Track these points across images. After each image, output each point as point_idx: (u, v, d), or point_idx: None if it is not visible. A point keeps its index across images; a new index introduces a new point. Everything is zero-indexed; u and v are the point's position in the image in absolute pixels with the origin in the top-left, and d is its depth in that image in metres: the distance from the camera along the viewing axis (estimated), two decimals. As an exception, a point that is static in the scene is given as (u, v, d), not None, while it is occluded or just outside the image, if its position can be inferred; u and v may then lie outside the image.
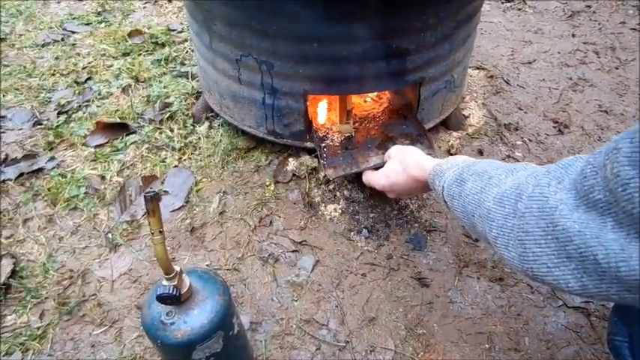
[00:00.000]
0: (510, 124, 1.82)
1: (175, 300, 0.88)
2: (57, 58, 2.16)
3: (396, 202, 1.55)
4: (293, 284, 1.34)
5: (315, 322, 1.25)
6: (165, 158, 1.69)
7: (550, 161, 1.67)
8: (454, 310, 1.29)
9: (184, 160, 1.69)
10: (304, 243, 1.43)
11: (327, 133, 1.61)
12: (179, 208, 1.53)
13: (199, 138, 1.76)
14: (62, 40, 2.29)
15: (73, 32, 2.35)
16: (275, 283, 1.34)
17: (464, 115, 1.85)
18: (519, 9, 2.58)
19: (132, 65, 2.10)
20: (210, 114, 1.83)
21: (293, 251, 1.41)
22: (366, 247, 1.43)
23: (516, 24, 2.45)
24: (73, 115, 1.87)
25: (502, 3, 2.63)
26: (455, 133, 1.78)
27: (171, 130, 1.79)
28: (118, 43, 2.24)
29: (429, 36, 1.41)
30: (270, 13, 1.32)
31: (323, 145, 1.55)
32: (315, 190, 1.58)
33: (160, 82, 2.01)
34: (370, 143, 1.56)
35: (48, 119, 1.84)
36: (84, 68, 2.11)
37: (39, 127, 1.82)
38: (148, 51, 2.20)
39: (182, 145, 1.73)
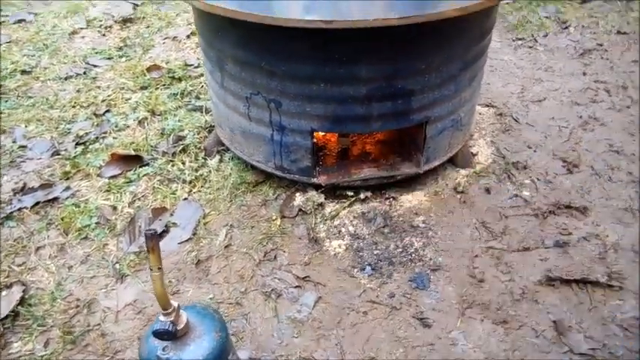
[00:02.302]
0: (518, 162, 1.82)
1: (171, 336, 0.89)
2: (78, 91, 2.25)
3: (400, 239, 1.55)
4: (294, 320, 1.34)
5: (314, 360, 1.25)
6: (176, 190, 1.73)
7: (557, 201, 1.66)
8: (456, 353, 1.27)
9: (194, 192, 1.73)
10: (307, 279, 1.44)
11: (326, 143, 1.69)
12: (186, 241, 1.56)
13: (210, 171, 1.80)
14: (84, 73, 2.38)
15: (95, 66, 2.45)
16: (276, 319, 1.34)
17: (472, 152, 1.86)
18: (530, 47, 2.61)
19: (149, 99, 2.17)
20: (222, 148, 1.87)
21: (296, 287, 1.42)
22: (368, 285, 1.43)
23: (527, 61, 2.47)
24: (90, 147, 1.94)
25: (513, 41, 2.67)
26: (462, 171, 1.79)
27: (183, 163, 1.83)
28: (137, 77, 2.32)
29: (434, 77, 1.44)
30: (278, 54, 1.37)
31: (320, 153, 1.63)
32: (321, 226, 1.60)
33: (175, 115, 2.08)
34: (364, 157, 1.62)
35: (66, 149, 1.91)
36: (103, 101, 2.19)
37: (57, 157, 1.88)
38: (165, 85, 2.28)
39: (193, 177, 1.77)
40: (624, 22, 2.81)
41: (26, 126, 2.04)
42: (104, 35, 2.74)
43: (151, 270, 0.86)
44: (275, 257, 1.50)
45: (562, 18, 2.87)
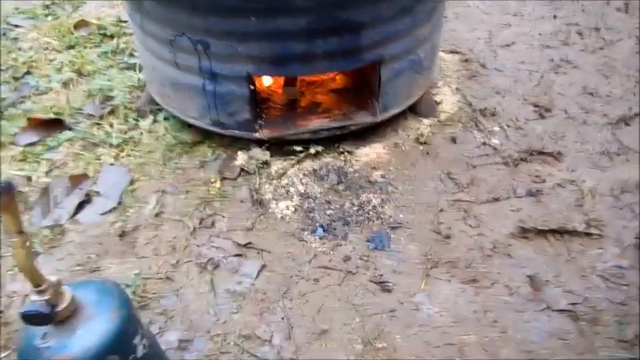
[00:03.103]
0: (486, 109, 1.65)
1: (47, 319, 0.69)
2: (-6, 53, 1.98)
3: (356, 197, 1.37)
4: (233, 294, 1.15)
5: (256, 337, 1.07)
6: (101, 156, 1.51)
7: (529, 148, 1.50)
8: (420, 319, 1.11)
9: (122, 157, 1.51)
10: (250, 245, 1.25)
11: (271, 95, 1.49)
12: (110, 211, 1.35)
13: (141, 133, 1.58)
14: (4, 34, 2.10)
15: (17, 26, 2.17)
16: (212, 293, 1.15)
17: (435, 101, 1.68)
18: (497, -8, 2.43)
19: (75, 58, 1.92)
20: (156, 107, 1.65)
21: (236, 255, 1.23)
22: (320, 249, 1.25)
23: (495, 7, 2.29)
24: (6, 113, 1.69)
25: (479, -14, 2.48)
26: (425, 121, 1.61)
27: (111, 126, 1.61)
28: (63, 35, 2.06)
29: (384, 7, 1.24)
30: (198, -20, 1.15)
31: (263, 106, 1.44)
32: (266, 186, 1.40)
33: (105, 75, 1.83)
34: (314, 108, 1.43)
35: (-25, 118, 1.66)
36: (24, 63, 1.93)
37: (-36, 126, 1.63)
38: (95, 43, 2.02)
39: (121, 141, 1.55)
40: (594, -35, 2.64)
41: None
42: (28, -6, 2.44)
43: (8, 236, 0.66)
44: (213, 224, 1.31)
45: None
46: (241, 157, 1.46)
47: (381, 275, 1.18)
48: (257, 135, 1.41)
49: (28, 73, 1.89)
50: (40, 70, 1.90)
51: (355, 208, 1.34)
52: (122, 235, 1.29)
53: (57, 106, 1.70)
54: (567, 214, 1.31)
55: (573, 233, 1.27)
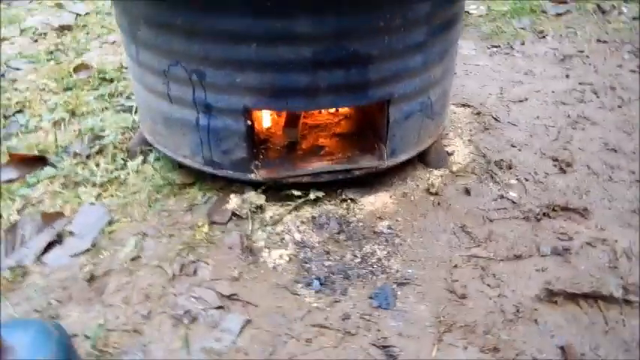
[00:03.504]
0: (502, 160, 1.53)
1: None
2: (-10, 93, 1.92)
3: (359, 247, 1.22)
4: (210, 352, 0.97)
5: (232, 408, 0.88)
6: (82, 194, 1.38)
7: (551, 202, 1.36)
8: (432, 393, 0.92)
9: (105, 197, 1.38)
10: (234, 297, 1.09)
11: (270, 137, 1.39)
12: (83, 253, 1.20)
13: (128, 173, 1.46)
14: (2, 75, 2.06)
15: (17, 69, 2.13)
16: (186, 351, 0.97)
17: (447, 152, 1.57)
18: (507, 53, 2.39)
19: (71, 99, 1.85)
20: (148, 147, 1.54)
21: (217, 308, 1.06)
22: (315, 304, 1.08)
23: (504, 66, 2.24)
24: (-11, 149, 1.59)
25: (488, 48, 2.45)
26: (436, 171, 1.48)
27: (97, 165, 1.50)
28: (62, 78, 2.01)
29: (395, 41, 1.16)
30: (197, 6, 1.08)
31: (262, 147, 1.32)
32: (259, 233, 1.26)
33: (98, 116, 1.75)
34: (316, 150, 1.32)
35: (-44, 152, 1.56)
36: (17, 103, 1.86)
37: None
38: (93, 86, 1.96)
39: (105, 180, 1.43)
40: (603, 32, 2.63)
41: None
42: (36, 41, 2.44)
43: None
44: (195, 271, 1.15)
45: (538, 29, 2.69)
46: (234, 201, 1.32)
47: (385, 338, 1.01)
48: (252, 176, 1.29)
49: (19, 111, 1.81)
50: (32, 109, 1.82)
51: (357, 261, 1.18)
52: (91, 279, 1.13)
53: (43, 144, 1.60)
54: (600, 277, 1.15)
55: (609, 299, 1.09)
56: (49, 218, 1.27)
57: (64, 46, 2.39)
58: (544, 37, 2.59)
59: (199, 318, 1.04)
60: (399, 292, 1.11)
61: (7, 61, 2.20)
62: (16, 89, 1.97)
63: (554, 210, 1.34)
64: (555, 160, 1.55)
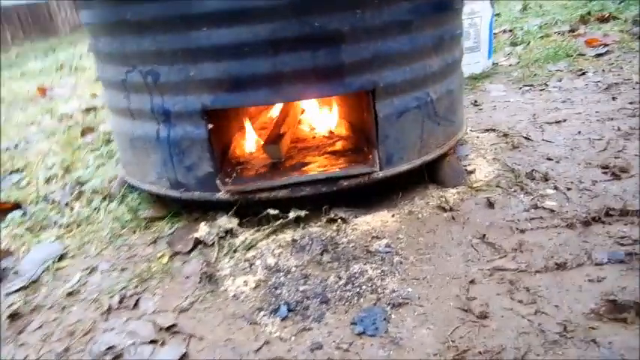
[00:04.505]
0: (535, 171, 1.25)
1: None
2: (-4, 161, 1.92)
3: (346, 268, 0.95)
4: (122, 395, 0.71)
5: None
6: (42, 235, 1.23)
7: (604, 207, 1.05)
8: None
9: (67, 237, 1.22)
10: (174, 330, 0.84)
11: (249, 160, 1.19)
12: (18, 290, 1.01)
13: (100, 214, 1.31)
14: (15, 147, 2.09)
15: (31, 142, 2.16)
16: (91, 394, 0.72)
17: (466, 169, 1.31)
18: (541, 90, 2.16)
19: (69, 157, 1.80)
20: (130, 190, 1.40)
21: (150, 342, 0.81)
22: (277, 334, 0.80)
23: (538, 99, 2.00)
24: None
25: (519, 88, 2.23)
26: (452, 190, 1.22)
27: (71, 209, 1.36)
28: (69, 143, 1.99)
29: (370, 16, 0.99)
30: (139, -8, 0.99)
31: (237, 168, 1.13)
32: (226, 260, 1.02)
33: (91, 170, 1.67)
34: (299, 166, 1.10)
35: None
36: (18, 166, 1.83)
37: None
38: (96, 147, 1.92)
39: (72, 221, 1.28)
40: (652, 64, 2.36)
41: None
42: (60, 121, 2.51)
43: None
44: (136, 304, 0.92)
45: (576, 68, 2.46)
46: (202, 229, 1.11)
47: (369, 374, 0.70)
48: (220, 195, 1.09)
49: (16, 171, 1.77)
50: (30, 169, 1.78)
51: (342, 282, 0.91)
52: (14, 317, 0.93)
53: (24, 195, 1.51)
54: (685, 285, 0.80)
55: (702, 311, 0.74)
56: (-7, 257, 1.11)
57: (84, 122, 2.43)
58: (583, 73, 2.35)
59: (124, 355, 0.79)
60: (392, 315, 0.81)
61: (26, 137, 2.24)
62: (24, 157, 1.96)
63: (608, 215, 1.02)
64: (605, 167, 1.25)
